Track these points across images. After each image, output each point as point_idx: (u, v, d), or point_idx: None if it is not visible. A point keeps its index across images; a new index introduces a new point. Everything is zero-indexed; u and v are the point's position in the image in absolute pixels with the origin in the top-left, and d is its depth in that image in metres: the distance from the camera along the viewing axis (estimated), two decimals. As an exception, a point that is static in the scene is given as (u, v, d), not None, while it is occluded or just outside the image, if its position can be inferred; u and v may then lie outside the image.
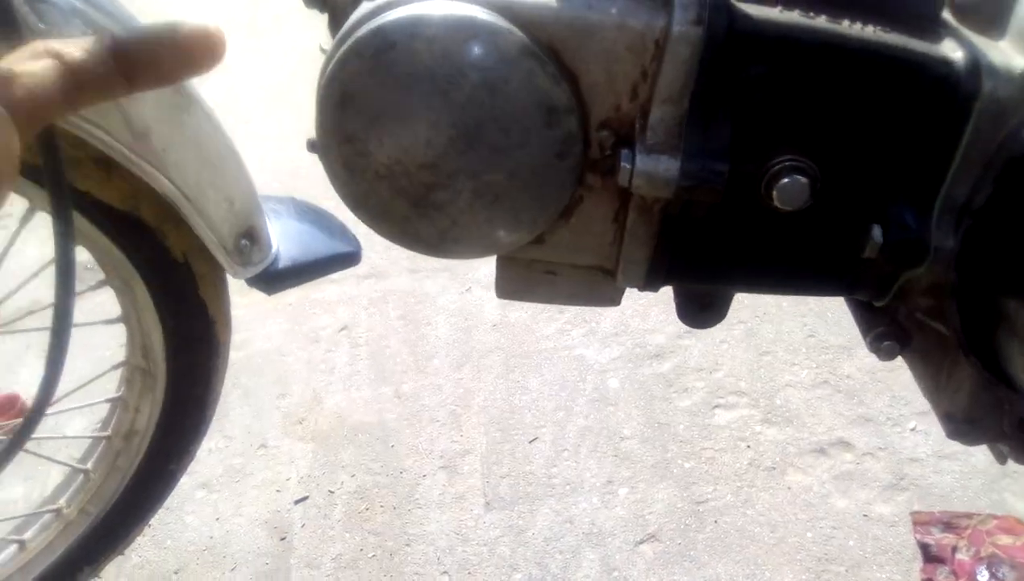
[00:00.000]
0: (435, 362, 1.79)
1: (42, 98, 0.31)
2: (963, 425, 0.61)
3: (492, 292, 1.82)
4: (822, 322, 1.72)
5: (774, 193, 0.48)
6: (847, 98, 0.47)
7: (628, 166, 0.47)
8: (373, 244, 2.09)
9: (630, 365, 1.71)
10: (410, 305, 1.95)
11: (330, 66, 0.45)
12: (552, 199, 0.49)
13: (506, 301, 1.86)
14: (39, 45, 0.32)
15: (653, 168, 0.47)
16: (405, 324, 1.90)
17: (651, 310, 1.80)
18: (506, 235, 0.50)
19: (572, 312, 1.84)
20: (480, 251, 0.52)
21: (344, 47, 0.44)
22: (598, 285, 0.57)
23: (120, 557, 1.34)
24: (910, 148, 0.48)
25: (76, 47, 0.33)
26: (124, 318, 1.09)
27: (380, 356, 1.83)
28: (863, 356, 1.64)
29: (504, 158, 0.46)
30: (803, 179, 0.47)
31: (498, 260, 0.57)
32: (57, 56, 0.32)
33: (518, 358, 1.77)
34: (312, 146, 0.49)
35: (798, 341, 1.71)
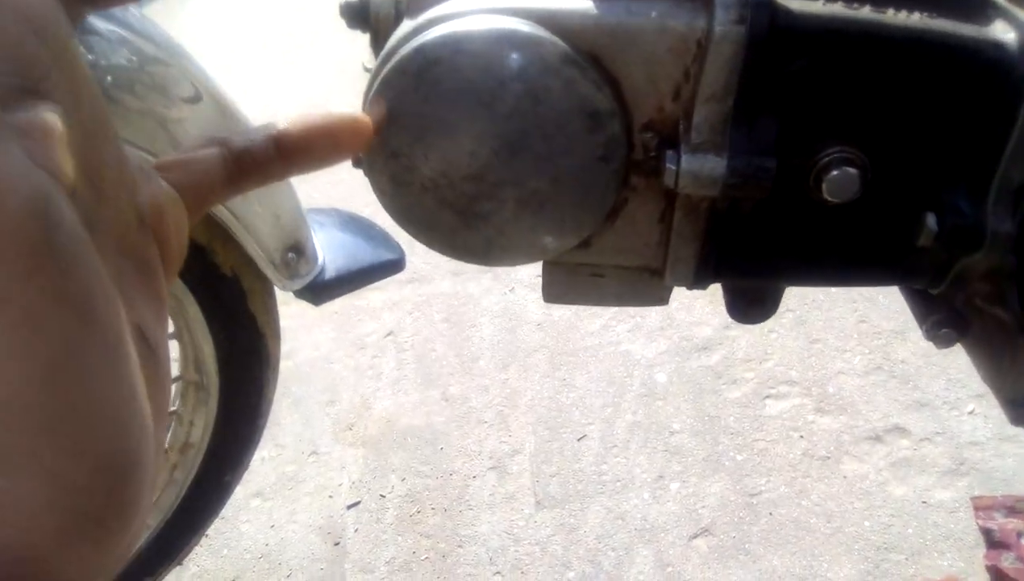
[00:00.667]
0: (481, 363, 1.80)
1: (208, 183, 0.34)
2: (1027, 411, 0.60)
3: (535, 292, 1.82)
4: (873, 307, 1.70)
5: (823, 186, 0.47)
6: (896, 88, 0.46)
7: (673, 167, 0.46)
8: (415, 249, 2.09)
9: (677, 359, 1.70)
10: (454, 308, 1.95)
11: (375, 85, 0.46)
12: (597, 203, 0.49)
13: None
14: (210, 136, 0.35)
15: (699, 168, 0.46)
16: (450, 327, 1.91)
17: (696, 303, 1.79)
18: (552, 241, 0.50)
19: (616, 308, 1.83)
20: (527, 258, 0.52)
21: (388, 66, 0.45)
22: (646, 285, 0.57)
23: (178, 567, 1.37)
24: (963, 133, 0.47)
25: (241, 136, 0.35)
26: (176, 334, 1.11)
27: (426, 360, 1.84)
28: (917, 340, 1.61)
29: (548, 165, 0.46)
30: (853, 170, 0.47)
31: (544, 265, 0.57)
32: (224, 144, 0.35)
33: (564, 356, 1.76)
34: (357, 162, 0.50)
35: (849, 327, 1.68)
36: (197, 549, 1.52)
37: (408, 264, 2.07)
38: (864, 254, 0.52)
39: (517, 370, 1.76)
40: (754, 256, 0.53)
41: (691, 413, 1.59)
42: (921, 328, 0.59)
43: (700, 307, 1.78)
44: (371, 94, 0.45)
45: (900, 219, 0.50)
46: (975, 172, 0.48)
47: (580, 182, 0.47)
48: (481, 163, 0.46)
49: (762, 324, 1.66)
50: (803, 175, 0.48)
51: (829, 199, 0.48)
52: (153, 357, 0.26)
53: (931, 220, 0.49)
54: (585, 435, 1.60)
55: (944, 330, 0.57)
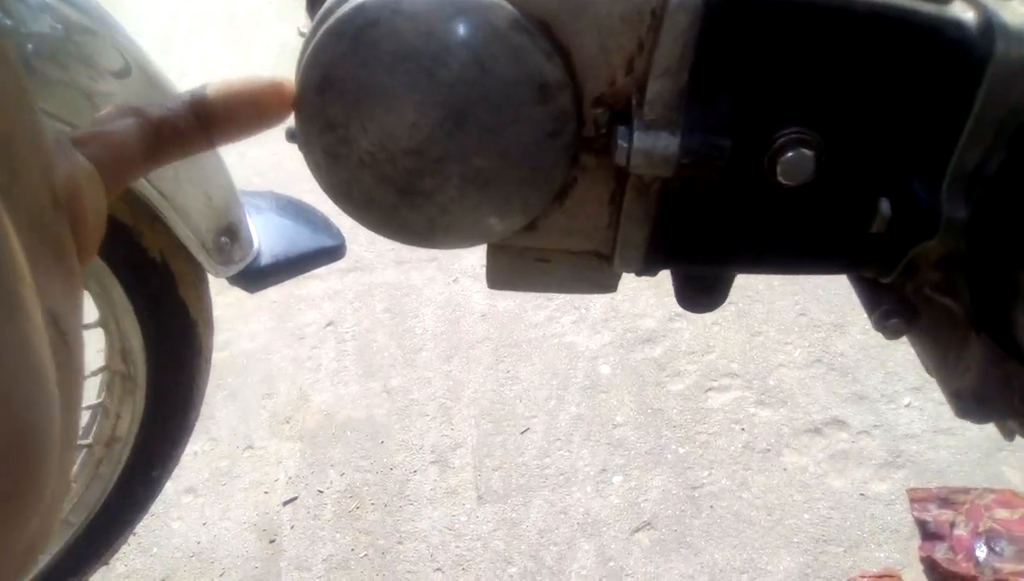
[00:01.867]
0: (423, 355, 1.77)
1: (126, 156, 0.32)
2: (972, 403, 0.59)
3: (479, 282, 1.80)
4: (814, 300, 1.71)
5: (778, 168, 0.46)
6: (853, 65, 0.45)
7: (625, 144, 0.44)
8: (357, 237, 2.06)
9: (621, 351, 1.69)
10: (396, 298, 1.92)
11: (309, 49, 0.42)
12: (545, 181, 0.46)
13: (494, 290, 1.84)
14: (125, 105, 0.33)
15: (651, 145, 0.44)
16: (392, 317, 1.87)
17: (641, 294, 1.78)
18: (498, 222, 0.48)
19: (562, 299, 1.82)
20: (471, 240, 0.49)
21: (323, 28, 0.42)
22: (594, 271, 0.55)
23: (105, 567, 1.31)
24: (919, 115, 0.46)
25: (158, 106, 0.34)
26: (102, 322, 1.06)
27: (367, 351, 1.80)
28: (856, 333, 1.63)
29: (494, 139, 0.44)
30: (808, 152, 0.45)
31: (488, 249, 0.54)
32: (140, 114, 0.33)
33: (507, 347, 1.74)
34: (291, 135, 0.46)
35: (790, 320, 1.69)
36: (125, 548, 1.47)
37: (350, 252, 2.02)
38: (817, 240, 0.51)
39: (460, 362, 1.73)
40: (706, 241, 0.51)
41: (634, 406, 1.58)
42: (870, 318, 0.58)
43: (645, 299, 1.77)
44: (304, 59, 0.42)
45: (854, 204, 0.49)
46: (931, 156, 0.47)
47: (528, 158, 0.45)
48: (423, 136, 0.43)
49: (704, 317, 1.67)
50: (758, 156, 0.46)
51: (783, 182, 0.46)
52: (64, 343, 0.25)
53: (885, 205, 0.48)
54: (528, 428, 1.58)
55: (893, 320, 0.56)
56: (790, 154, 0.45)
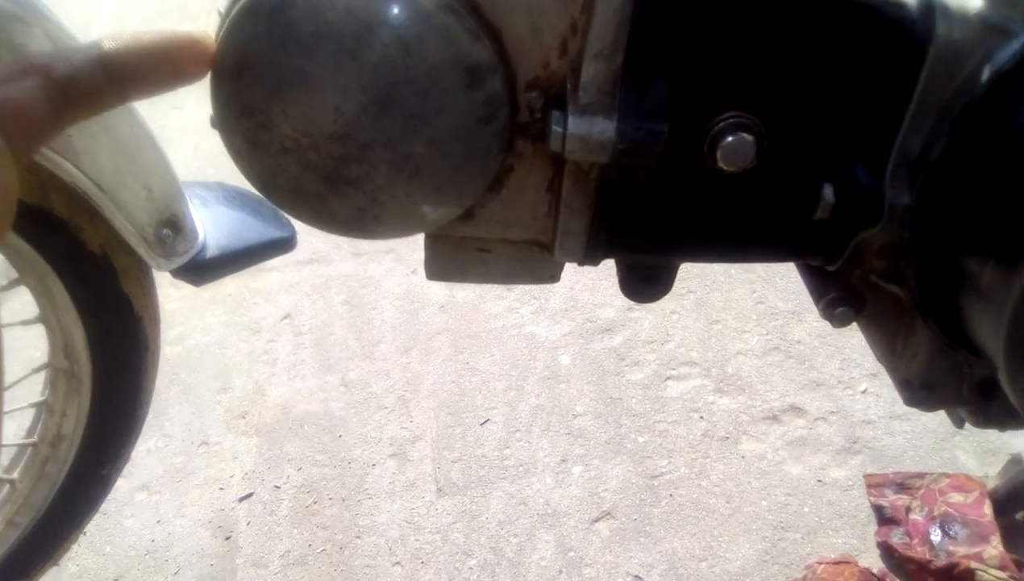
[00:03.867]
0: (382, 347, 1.74)
1: (33, 121, 0.30)
2: (920, 391, 0.59)
3: (437, 273, 1.77)
4: (771, 288, 1.71)
5: (718, 153, 0.44)
6: (792, 46, 0.44)
7: (560, 129, 0.43)
8: (313, 229, 2.03)
9: (581, 341, 1.68)
10: (354, 290, 1.89)
11: (224, 28, 0.40)
12: (479, 169, 0.45)
13: (433, 281, 1.82)
14: (24, 62, 0.30)
15: (587, 131, 0.43)
16: (350, 309, 1.84)
17: (600, 284, 1.77)
18: (431, 210, 0.46)
19: (521, 289, 1.80)
20: (404, 229, 0.47)
21: (238, 6, 0.40)
22: (535, 261, 0.53)
23: (55, 567, 1.28)
24: (861, 98, 0.45)
25: (62, 61, 0.31)
26: (43, 318, 1.03)
27: (325, 344, 1.77)
28: (813, 321, 1.64)
29: (423, 125, 0.42)
30: (748, 137, 0.44)
31: (426, 239, 0.53)
32: (43, 72, 0.30)
33: (467, 339, 1.72)
34: (214, 123, 0.44)
35: (747, 308, 1.70)
36: (76, 548, 1.43)
37: (307, 244, 2.00)
38: (760, 228, 0.50)
39: (419, 354, 1.71)
40: (647, 229, 0.50)
41: (594, 395, 1.58)
42: (817, 307, 0.57)
43: (604, 289, 1.76)
44: (219, 40, 0.40)
45: (797, 190, 0.48)
46: (874, 141, 0.46)
47: (459, 145, 0.43)
48: (347, 121, 0.41)
49: (664, 306, 1.66)
50: (697, 142, 0.45)
51: (724, 168, 0.45)
52: None
53: (828, 191, 0.47)
54: (488, 419, 1.57)
55: (840, 308, 0.56)
56: (730, 139, 0.44)
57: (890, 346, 0.59)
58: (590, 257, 0.51)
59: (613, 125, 0.43)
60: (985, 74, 0.43)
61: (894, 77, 0.44)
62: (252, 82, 0.40)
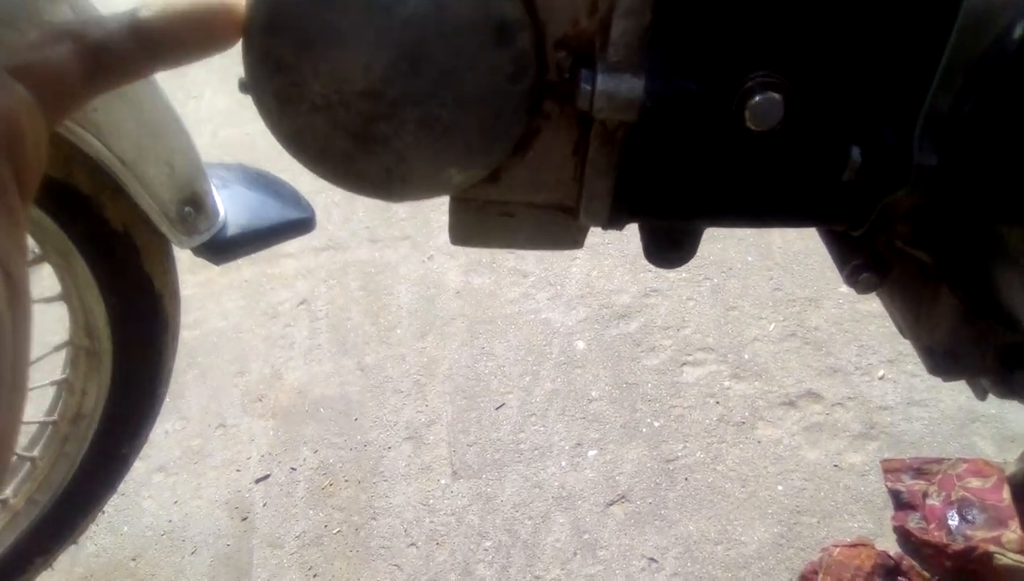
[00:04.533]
0: (398, 332, 1.75)
1: (66, 85, 0.30)
2: (943, 359, 0.59)
3: (455, 259, 1.77)
4: (788, 275, 1.71)
5: (746, 112, 0.44)
6: (821, 3, 0.43)
7: (588, 87, 0.43)
8: (331, 215, 2.04)
9: (597, 326, 1.68)
10: (371, 275, 1.90)
11: None
12: (506, 129, 0.45)
13: (469, 267, 1.81)
14: (58, 27, 0.30)
15: (615, 88, 0.43)
16: (366, 295, 1.85)
17: (616, 271, 1.77)
18: (458, 172, 0.46)
19: (537, 275, 1.80)
20: (431, 190, 0.48)
21: None
22: (559, 225, 0.53)
23: (74, 546, 1.29)
24: (890, 57, 0.45)
25: (96, 27, 0.31)
26: (65, 296, 1.04)
27: (341, 328, 1.78)
28: (830, 307, 1.63)
29: (452, 82, 0.42)
30: (776, 96, 0.44)
31: (451, 202, 0.53)
32: (77, 38, 0.30)
33: (482, 324, 1.73)
34: (243, 86, 0.45)
35: (765, 295, 1.69)
36: (94, 527, 1.45)
37: (324, 231, 2.01)
38: (787, 191, 0.50)
39: (435, 339, 1.72)
40: (672, 192, 0.50)
41: (609, 380, 1.58)
42: (841, 274, 0.57)
43: (620, 275, 1.76)
44: None
45: (824, 151, 0.47)
46: (902, 101, 0.46)
47: (488, 104, 0.43)
48: (377, 77, 0.41)
49: (680, 292, 1.66)
50: (725, 101, 0.45)
51: (752, 127, 0.45)
52: (9, 281, 0.24)
53: (855, 152, 0.47)
54: (503, 404, 1.57)
55: (864, 274, 0.56)
56: (758, 98, 0.44)
57: (914, 314, 0.59)
58: (614, 221, 0.51)
59: (642, 83, 0.43)
60: (1018, 32, 0.42)
61: (924, 34, 0.44)
62: (283, 38, 0.40)
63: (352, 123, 0.43)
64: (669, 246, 0.55)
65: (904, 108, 0.46)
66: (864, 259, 0.55)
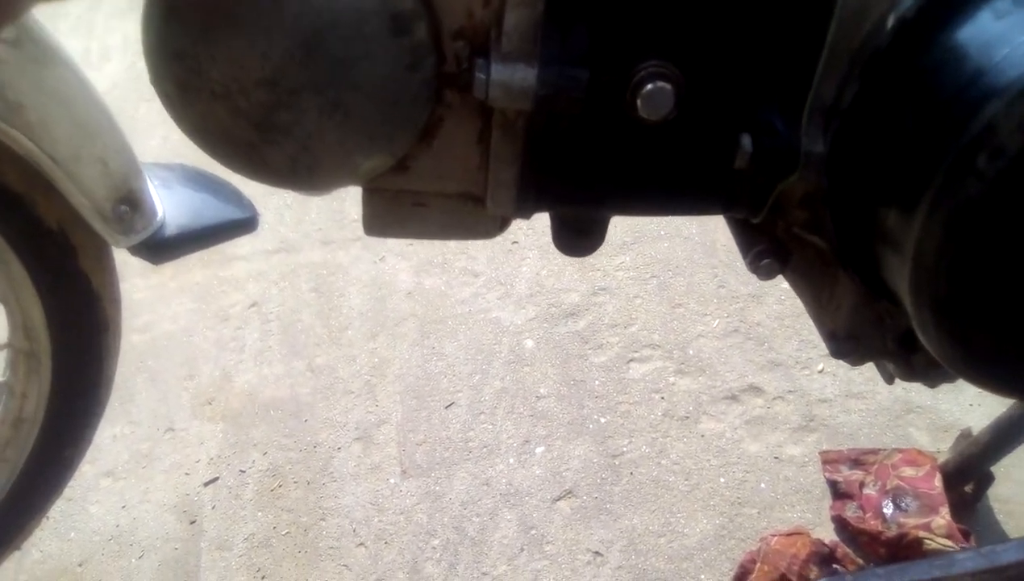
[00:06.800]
0: (349, 333, 1.75)
1: None
2: (846, 343, 0.61)
3: (406, 260, 1.78)
4: (732, 272, 1.74)
5: (638, 103, 0.46)
6: None
7: (483, 76, 0.44)
8: (283, 218, 2.04)
9: (546, 325, 1.70)
10: (322, 277, 1.90)
11: None
12: (408, 116, 0.46)
13: (420, 268, 1.82)
14: None
15: (509, 77, 0.44)
16: (317, 297, 1.85)
17: (566, 270, 1.79)
18: (363, 160, 0.48)
19: (488, 275, 1.81)
20: (338, 179, 0.49)
21: None
22: (470, 214, 0.55)
23: (18, 552, 1.28)
24: (775, 47, 0.47)
25: None
26: (1, 297, 1.03)
27: (292, 330, 1.78)
28: (772, 303, 1.67)
29: (349, 70, 0.43)
30: (667, 86, 0.46)
31: (364, 194, 0.54)
32: None
33: (433, 324, 1.74)
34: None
35: (709, 292, 1.72)
36: (40, 533, 1.43)
37: (275, 233, 2.01)
38: (684, 179, 0.52)
39: (386, 339, 1.72)
40: (575, 180, 0.51)
41: (557, 378, 1.60)
42: (744, 260, 0.59)
43: (569, 274, 1.78)
44: None
45: (717, 140, 0.50)
46: (789, 90, 0.48)
47: (386, 91, 0.45)
48: (274, 66, 0.42)
49: (627, 290, 1.68)
50: (619, 91, 0.47)
51: (645, 117, 0.47)
52: None
53: (746, 141, 0.49)
54: (453, 403, 1.58)
55: (766, 261, 0.58)
56: (649, 87, 0.46)
57: (816, 298, 0.61)
58: (521, 209, 0.52)
59: (534, 72, 0.44)
60: (890, 22, 0.45)
61: (806, 25, 0.46)
62: (181, 26, 0.41)
63: (252, 111, 0.44)
64: (577, 234, 0.56)
65: (792, 97, 0.49)
66: (765, 245, 0.57)
